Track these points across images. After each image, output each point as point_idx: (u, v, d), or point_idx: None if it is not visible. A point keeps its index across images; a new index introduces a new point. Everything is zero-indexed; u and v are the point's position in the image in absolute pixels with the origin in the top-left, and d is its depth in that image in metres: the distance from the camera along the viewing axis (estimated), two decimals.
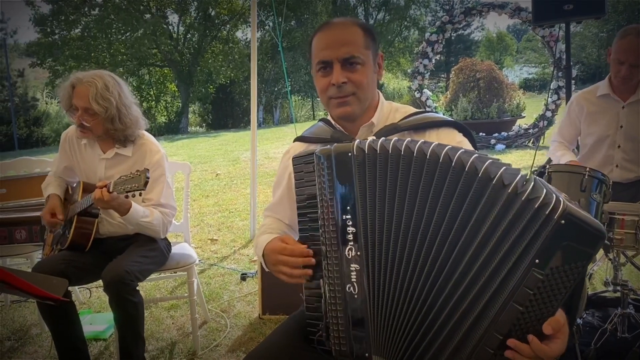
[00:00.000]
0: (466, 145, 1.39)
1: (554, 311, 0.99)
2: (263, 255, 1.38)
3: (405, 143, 1.12)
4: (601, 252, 2.38)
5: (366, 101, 1.42)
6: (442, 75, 29.96)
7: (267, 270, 1.39)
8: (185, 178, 2.91)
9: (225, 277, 3.66)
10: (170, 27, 25.83)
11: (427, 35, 10.74)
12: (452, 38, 27.21)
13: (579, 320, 2.16)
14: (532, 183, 1.02)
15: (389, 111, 1.48)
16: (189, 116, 27.20)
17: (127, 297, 2.08)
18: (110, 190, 2.06)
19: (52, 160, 2.91)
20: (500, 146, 9.63)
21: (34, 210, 2.90)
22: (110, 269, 2.11)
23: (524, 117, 10.65)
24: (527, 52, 35.84)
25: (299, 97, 29.02)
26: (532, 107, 11.97)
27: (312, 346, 1.24)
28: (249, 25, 4.57)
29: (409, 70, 11.72)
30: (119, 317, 2.12)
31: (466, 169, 1.04)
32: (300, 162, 1.27)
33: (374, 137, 1.18)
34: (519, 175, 1.03)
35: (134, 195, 2.04)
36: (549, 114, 9.50)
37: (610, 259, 2.31)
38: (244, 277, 3.57)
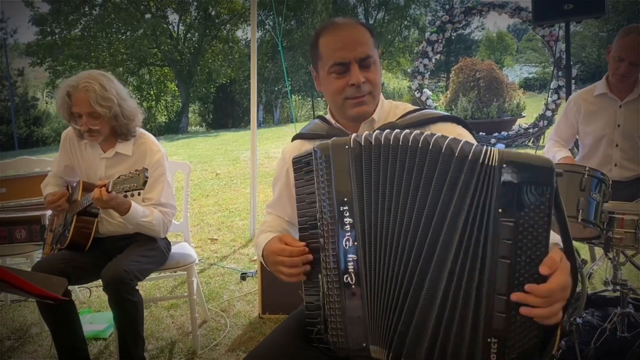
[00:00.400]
0: (467, 137, 1.40)
1: (545, 251, 1.00)
2: (263, 255, 1.39)
3: (403, 134, 1.14)
4: (601, 251, 2.37)
5: (378, 99, 1.44)
6: (442, 75, 29.96)
7: (267, 269, 1.39)
8: (185, 177, 2.91)
9: (225, 276, 3.66)
10: (170, 27, 25.83)
11: (427, 34, 10.74)
12: (452, 38, 27.21)
13: (578, 320, 2.16)
14: (476, 146, 1.08)
15: (389, 108, 1.49)
16: (189, 116, 27.20)
17: (126, 297, 2.08)
18: (109, 189, 2.07)
19: (52, 159, 2.91)
20: (500, 146, 9.62)
21: (34, 210, 2.90)
22: (110, 268, 2.11)
23: (524, 116, 10.65)
24: (527, 51, 35.83)
25: (299, 97, 29.01)
26: (532, 107, 11.97)
27: (313, 345, 1.24)
28: (249, 25, 4.57)
29: (409, 70, 11.73)
30: (119, 316, 2.12)
31: (442, 150, 1.09)
32: (300, 163, 1.28)
33: (370, 132, 1.20)
34: (474, 145, 1.09)
35: (132, 195, 2.04)
36: (549, 113, 9.50)
37: (609, 259, 2.30)
38: (243, 276, 3.57)
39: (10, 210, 2.94)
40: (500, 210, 1.01)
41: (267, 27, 23.97)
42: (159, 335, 2.79)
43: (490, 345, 1.01)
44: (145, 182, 1.99)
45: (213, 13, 25.93)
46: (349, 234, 1.15)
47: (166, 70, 26.61)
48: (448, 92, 11.43)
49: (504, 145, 9.64)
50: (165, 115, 27.37)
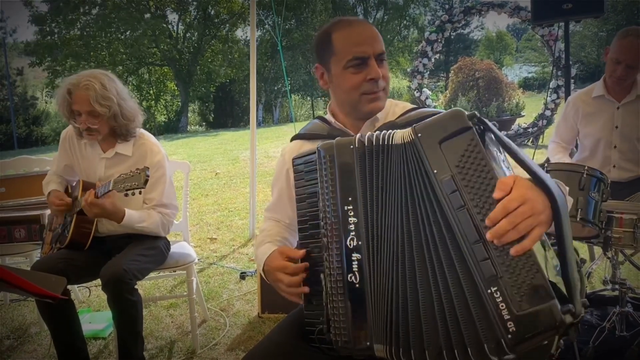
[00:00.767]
0: None
1: (494, 183, 1.00)
2: (263, 270, 1.39)
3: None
4: (600, 250, 2.38)
5: (387, 96, 1.45)
6: (442, 75, 29.96)
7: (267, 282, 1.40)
8: (184, 177, 2.91)
9: (225, 276, 3.66)
10: (169, 26, 25.83)
11: (426, 34, 10.74)
12: (452, 37, 27.17)
13: None
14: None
15: (389, 106, 1.49)
16: (189, 115, 27.19)
17: (125, 296, 2.08)
18: (110, 188, 2.07)
19: (51, 159, 2.91)
20: (516, 146, 9.62)
21: (33, 209, 2.90)
22: (109, 267, 2.11)
23: (524, 116, 10.65)
24: (527, 51, 35.83)
25: (299, 96, 29.02)
26: (531, 106, 11.98)
27: (313, 345, 1.23)
28: (249, 25, 4.57)
29: (408, 70, 11.70)
30: (118, 315, 2.12)
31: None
32: (300, 163, 1.28)
33: (396, 130, 1.19)
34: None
35: (133, 194, 2.05)
36: (548, 113, 9.51)
37: (608, 258, 2.31)
38: (243, 276, 3.57)
39: (9, 210, 2.94)
40: (435, 171, 1.05)
41: (266, 26, 24.01)
42: (159, 335, 2.79)
43: (494, 295, 0.97)
44: (146, 181, 1.99)
45: (212, 13, 25.93)
46: (353, 233, 1.15)
47: (165, 70, 26.60)
48: (447, 91, 11.45)
49: None
50: (164, 115, 27.37)
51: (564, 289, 1.02)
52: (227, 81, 25.85)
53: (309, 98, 29.59)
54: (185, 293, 2.78)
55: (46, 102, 25.32)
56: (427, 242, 1.07)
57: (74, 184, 2.51)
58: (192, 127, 27.07)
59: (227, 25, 26.03)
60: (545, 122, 9.49)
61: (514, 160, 1.10)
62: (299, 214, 1.28)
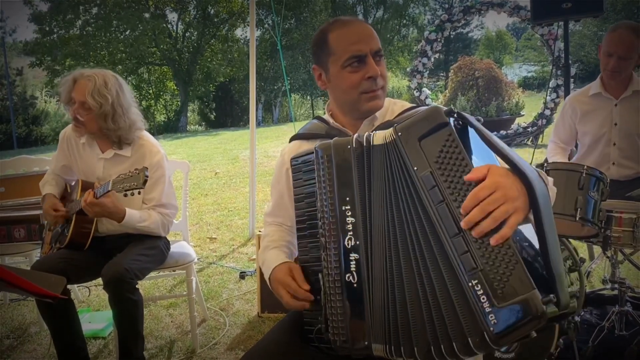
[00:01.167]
0: None
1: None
2: (269, 277, 1.39)
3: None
4: (599, 250, 2.38)
5: (386, 94, 1.45)
6: (441, 74, 29.97)
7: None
8: (184, 177, 2.91)
9: (224, 275, 3.66)
10: (169, 26, 25.80)
11: (426, 33, 10.74)
12: (451, 36, 27.18)
13: (576, 318, 2.17)
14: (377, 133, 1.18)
15: (388, 105, 1.49)
16: (188, 115, 27.18)
17: (126, 295, 2.09)
18: (109, 188, 2.07)
19: (50, 158, 2.91)
20: (498, 140, 9.62)
21: (33, 209, 2.90)
22: (110, 267, 2.11)
23: (523, 115, 10.66)
24: (526, 50, 35.82)
25: (298, 96, 29.01)
26: (531, 106, 11.99)
27: (312, 345, 1.24)
28: (248, 24, 4.57)
29: (408, 69, 11.70)
30: (119, 315, 2.12)
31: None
32: (298, 162, 1.29)
33: (376, 132, 1.20)
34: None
35: (132, 194, 2.05)
36: (547, 112, 9.51)
37: (608, 257, 2.31)
38: (242, 275, 3.57)
39: (9, 209, 2.94)
40: (415, 168, 1.07)
41: (266, 26, 24.00)
42: (158, 334, 2.79)
43: (475, 288, 0.98)
44: (145, 181, 1.99)
45: (212, 12, 25.89)
46: (351, 233, 1.15)
47: (165, 69, 26.57)
48: (447, 91, 11.45)
49: None
50: (164, 114, 27.34)
51: (569, 284, 1.02)
52: (227, 81, 25.82)
53: (308, 97, 29.58)
54: (184, 293, 2.78)
55: (45, 102, 25.27)
56: (411, 239, 1.08)
57: (72, 184, 2.51)
58: (192, 127, 27.04)
59: (227, 24, 25.99)
60: (544, 121, 9.49)
61: (493, 151, 1.10)
62: (297, 213, 1.28)
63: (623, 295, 2.25)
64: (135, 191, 2.04)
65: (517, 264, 0.95)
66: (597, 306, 2.58)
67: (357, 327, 1.14)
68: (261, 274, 2.92)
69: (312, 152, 1.24)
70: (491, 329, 0.96)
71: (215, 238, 4.68)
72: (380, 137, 1.16)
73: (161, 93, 27.26)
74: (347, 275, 1.15)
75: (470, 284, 0.98)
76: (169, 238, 2.54)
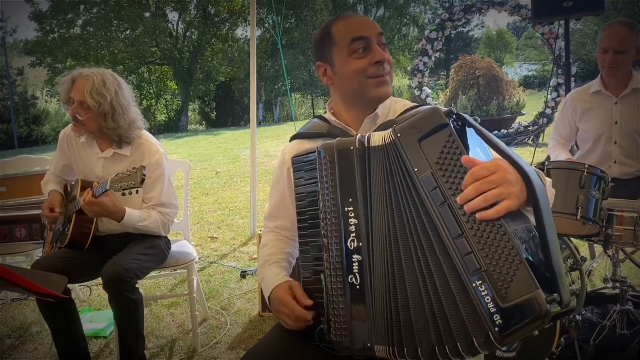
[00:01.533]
0: None
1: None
2: (269, 297, 1.38)
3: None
4: (600, 248, 2.38)
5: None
6: (442, 73, 29.94)
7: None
8: (185, 176, 2.91)
9: (225, 274, 3.66)
10: (169, 25, 25.82)
11: (426, 32, 10.72)
12: (452, 35, 27.20)
13: (577, 317, 2.16)
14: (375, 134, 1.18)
15: (390, 103, 1.47)
16: (189, 114, 27.19)
17: (126, 295, 2.09)
18: (107, 187, 2.07)
19: (51, 158, 2.91)
20: (496, 138, 9.61)
21: (33, 208, 2.90)
22: (110, 266, 2.11)
23: (524, 114, 10.65)
24: (527, 49, 35.79)
25: (299, 95, 29.01)
26: (531, 105, 11.97)
27: (313, 343, 1.23)
28: (249, 24, 4.56)
29: (408, 68, 11.69)
30: (119, 314, 2.12)
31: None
32: (299, 161, 1.28)
33: (375, 132, 1.19)
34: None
35: (130, 193, 2.05)
36: (548, 111, 9.49)
37: (609, 256, 2.31)
38: (243, 274, 3.57)
39: (10, 209, 2.95)
40: (415, 169, 1.07)
41: (266, 25, 24.00)
42: (159, 334, 2.79)
43: (479, 289, 0.98)
44: (142, 180, 1.99)
45: (212, 11, 25.89)
46: (354, 234, 1.15)
47: (165, 69, 26.59)
48: (448, 90, 11.44)
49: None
50: (164, 114, 27.36)
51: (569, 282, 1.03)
52: (227, 80, 25.83)
53: (309, 97, 29.58)
54: (185, 292, 2.78)
55: (46, 102, 25.29)
56: (413, 240, 1.08)
57: (72, 183, 2.51)
58: (193, 126, 27.05)
59: (227, 24, 25.98)
60: (545, 120, 9.48)
61: (494, 151, 1.11)
62: (298, 212, 1.27)
63: (624, 294, 2.25)
64: (133, 190, 2.04)
65: (520, 263, 0.95)
66: (598, 305, 2.57)
67: (359, 329, 1.14)
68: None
69: (314, 151, 1.24)
70: (496, 328, 0.96)
71: (216, 237, 4.68)
72: (379, 137, 1.15)
73: (162, 92, 27.28)
74: (350, 277, 1.14)
75: (474, 285, 0.99)
76: (170, 237, 2.54)
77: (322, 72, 1.45)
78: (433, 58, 10.59)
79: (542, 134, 9.58)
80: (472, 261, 0.99)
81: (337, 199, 1.17)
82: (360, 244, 1.14)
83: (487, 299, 0.97)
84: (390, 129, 1.13)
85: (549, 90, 9.66)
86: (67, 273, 2.10)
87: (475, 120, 1.14)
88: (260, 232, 1.62)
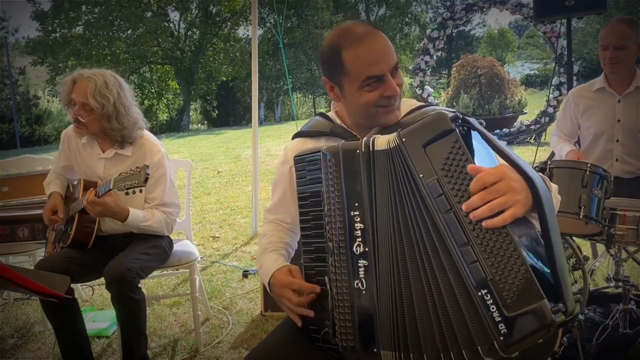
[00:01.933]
0: None
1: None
2: (269, 282, 1.37)
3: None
4: (603, 248, 2.37)
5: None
6: (444, 72, 29.91)
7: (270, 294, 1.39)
8: (186, 175, 2.91)
9: (227, 274, 3.66)
10: (171, 25, 25.84)
11: (428, 31, 10.72)
12: (453, 34, 27.13)
13: (580, 316, 2.16)
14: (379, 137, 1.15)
15: None
16: (191, 113, 27.22)
17: (128, 295, 2.09)
18: (111, 187, 2.07)
19: (53, 158, 2.92)
20: (501, 142, 9.60)
21: (36, 208, 2.90)
22: (112, 266, 2.11)
23: (526, 113, 10.63)
24: (529, 48, 35.74)
25: (301, 94, 29.02)
26: (533, 103, 11.96)
27: (317, 344, 1.23)
28: (250, 23, 4.56)
29: (410, 67, 11.68)
30: (121, 314, 2.13)
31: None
32: (302, 161, 1.27)
33: (379, 135, 1.18)
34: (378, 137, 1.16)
35: (134, 192, 2.05)
36: (550, 110, 9.48)
37: (611, 255, 2.30)
38: (245, 274, 3.57)
39: (12, 209, 2.95)
40: (421, 175, 1.06)
41: (268, 24, 23.99)
42: (162, 333, 2.79)
43: (485, 298, 0.98)
44: (146, 179, 1.99)
45: (214, 11, 25.92)
46: (360, 239, 1.14)
47: (167, 68, 26.62)
48: (449, 89, 11.42)
49: (505, 143, 9.63)
50: (166, 113, 27.40)
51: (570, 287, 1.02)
52: (229, 79, 25.85)
53: (310, 96, 29.58)
54: (188, 291, 2.78)
55: (48, 102, 25.36)
56: (418, 246, 1.07)
57: (75, 183, 2.52)
58: (194, 126, 27.09)
59: (229, 23, 26.00)
60: (547, 119, 9.47)
61: (499, 156, 1.11)
62: (301, 212, 1.27)
63: (627, 293, 2.25)
64: (137, 189, 2.04)
65: (526, 273, 0.95)
66: (600, 304, 2.57)
67: (366, 334, 1.13)
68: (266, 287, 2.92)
69: (317, 152, 1.23)
70: (501, 337, 0.96)
71: (218, 237, 4.68)
72: (383, 141, 1.14)
73: (163, 92, 27.31)
74: (356, 282, 1.14)
75: (479, 294, 0.99)
76: (172, 237, 2.55)
77: (329, 88, 1.41)
78: (435, 57, 10.58)
79: (544, 133, 9.56)
80: (477, 270, 0.99)
81: (343, 204, 1.16)
82: (367, 249, 1.13)
83: (493, 308, 0.97)
84: (395, 133, 1.12)
85: (551, 89, 9.65)
86: (70, 273, 2.11)
87: (481, 124, 1.12)
88: None
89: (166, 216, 2.35)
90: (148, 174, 1.99)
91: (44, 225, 2.76)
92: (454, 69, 11.45)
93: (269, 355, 1.29)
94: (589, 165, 2.10)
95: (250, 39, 4.64)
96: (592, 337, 2.21)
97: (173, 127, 24.88)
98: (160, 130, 23.44)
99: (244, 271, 3.61)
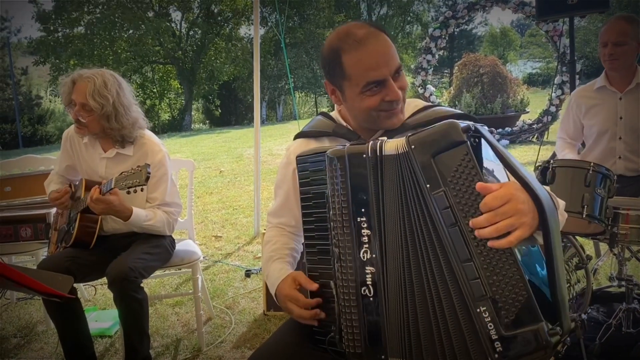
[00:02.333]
0: None
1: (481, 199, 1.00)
2: (275, 293, 1.36)
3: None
4: (606, 247, 2.37)
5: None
6: (446, 71, 29.87)
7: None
8: (189, 175, 2.91)
9: (230, 273, 3.66)
10: (173, 25, 25.86)
11: (430, 30, 10.70)
12: (455, 33, 27.09)
13: (583, 316, 2.16)
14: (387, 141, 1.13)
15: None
16: (192, 113, 27.24)
17: (131, 294, 2.09)
18: (113, 186, 2.07)
19: (56, 158, 2.92)
20: (504, 142, 9.60)
21: (39, 208, 2.91)
22: (115, 266, 2.12)
23: (528, 112, 10.61)
24: (531, 47, 35.61)
25: (302, 94, 29.02)
26: (536, 102, 11.93)
27: (322, 347, 1.22)
28: (252, 23, 4.57)
29: (412, 66, 11.67)
30: (124, 314, 2.13)
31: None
32: (305, 161, 1.25)
33: (386, 138, 1.16)
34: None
35: (135, 191, 2.05)
36: (553, 109, 9.46)
37: (614, 254, 2.30)
38: (248, 273, 3.58)
39: (15, 209, 2.96)
40: (428, 185, 1.04)
41: (269, 24, 24.00)
42: (164, 333, 2.80)
43: (483, 315, 0.98)
44: (147, 178, 1.99)
45: (216, 11, 25.93)
46: (366, 245, 1.12)
47: (169, 68, 26.66)
48: (452, 88, 11.40)
49: (507, 142, 9.61)
50: (168, 113, 27.43)
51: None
52: (231, 79, 25.86)
53: (312, 95, 29.58)
54: (190, 291, 2.78)
55: (50, 101, 25.40)
56: (422, 256, 1.07)
57: (77, 183, 2.52)
58: (196, 125, 27.11)
59: (231, 23, 26.01)
60: (550, 118, 9.45)
61: (509, 171, 1.08)
62: (304, 214, 1.25)
63: (630, 292, 2.24)
64: (138, 188, 2.04)
65: (526, 294, 0.96)
66: (604, 304, 2.56)
67: (374, 341, 1.12)
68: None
69: (320, 152, 1.21)
70: (495, 355, 0.97)
71: (220, 236, 4.68)
72: (392, 146, 1.10)
73: (165, 92, 27.34)
74: (363, 289, 1.13)
75: (477, 310, 0.99)
76: (174, 236, 2.55)
77: (331, 92, 1.40)
78: (437, 56, 10.56)
79: (546, 132, 9.54)
80: (478, 287, 0.99)
81: (349, 209, 1.14)
82: (374, 255, 1.12)
83: (490, 326, 0.98)
84: (405, 138, 1.09)
85: (554, 88, 9.62)
86: (73, 273, 2.11)
87: (491, 132, 1.11)
88: (264, 232, 1.61)
89: (168, 216, 2.35)
90: (149, 173, 2.00)
91: (47, 225, 2.76)
92: (456, 68, 11.43)
93: (273, 356, 1.28)
94: (591, 164, 2.09)
95: (252, 38, 4.65)
96: (595, 336, 2.20)
97: (175, 126, 24.90)
98: (162, 130, 23.47)
99: (246, 270, 3.61)
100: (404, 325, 1.09)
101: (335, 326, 1.18)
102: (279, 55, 24.55)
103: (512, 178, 1.09)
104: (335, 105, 1.49)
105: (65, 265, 2.15)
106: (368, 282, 1.12)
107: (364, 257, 1.12)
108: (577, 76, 6.23)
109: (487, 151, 1.07)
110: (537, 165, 2.28)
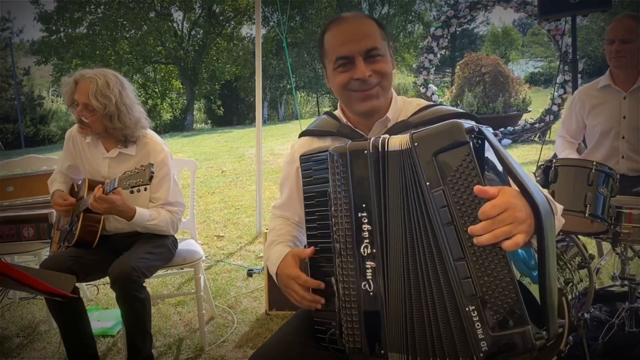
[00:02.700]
0: None
1: (485, 202, 0.99)
2: (276, 273, 1.37)
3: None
4: (608, 246, 2.36)
5: (389, 92, 1.39)
6: (448, 70, 29.87)
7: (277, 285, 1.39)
8: (191, 175, 2.92)
9: (232, 273, 3.67)
10: (174, 25, 25.88)
11: (432, 29, 10.69)
12: (457, 33, 27.05)
13: (586, 315, 2.15)
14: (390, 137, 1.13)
15: (402, 104, 1.45)
16: (194, 113, 27.27)
17: (133, 294, 2.09)
18: (116, 185, 2.08)
19: (58, 157, 2.93)
20: (506, 141, 9.59)
21: (41, 208, 2.91)
22: (117, 265, 2.12)
23: (530, 111, 10.59)
24: (533, 46, 35.56)
25: (304, 93, 29.02)
26: (538, 102, 11.91)
27: (322, 344, 1.22)
28: (254, 22, 4.57)
29: (414, 66, 11.67)
30: (126, 313, 2.13)
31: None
32: (308, 160, 1.26)
33: (388, 135, 1.17)
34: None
35: (139, 190, 2.05)
36: (555, 108, 9.45)
37: (617, 253, 2.29)
38: (250, 273, 3.58)
39: (17, 209, 2.96)
40: (428, 183, 1.04)
41: (271, 24, 24.00)
42: (167, 332, 2.80)
43: (471, 314, 0.99)
44: (151, 177, 2.00)
45: (217, 11, 25.95)
46: (367, 241, 1.13)
47: (171, 68, 26.68)
48: (453, 87, 11.39)
49: (510, 141, 9.60)
50: (170, 113, 27.45)
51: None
52: (233, 79, 25.88)
53: (314, 95, 29.58)
54: (192, 290, 2.79)
55: (52, 101, 25.43)
56: (419, 252, 1.07)
57: (79, 183, 2.52)
58: (198, 125, 27.13)
59: (232, 23, 26.04)
60: (552, 117, 9.44)
61: (507, 172, 1.08)
62: (307, 212, 1.26)
63: (633, 291, 2.24)
64: (142, 188, 2.04)
65: (515, 296, 0.97)
66: (606, 303, 2.56)
67: (373, 336, 1.13)
68: (268, 272, 2.92)
69: (324, 151, 1.21)
70: (480, 354, 0.99)
71: (222, 236, 4.69)
72: (396, 142, 1.11)
73: (167, 92, 27.36)
74: (364, 284, 1.13)
75: (467, 309, 1.00)
76: (176, 236, 2.55)
77: (325, 74, 1.45)
78: (438, 55, 10.55)
79: (548, 131, 9.52)
80: (468, 286, 1.00)
81: (351, 205, 1.14)
82: (374, 250, 1.12)
83: (477, 325, 0.99)
84: (408, 135, 1.09)
85: (556, 87, 9.61)
86: (75, 272, 2.11)
87: (495, 135, 1.10)
88: (266, 231, 1.62)
89: (172, 215, 2.35)
90: (153, 172, 2.00)
91: (49, 225, 2.77)
92: (458, 67, 11.42)
93: (275, 355, 1.28)
94: (594, 163, 2.09)
95: (254, 38, 4.64)
96: (598, 335, 2.20)
97: (177, 126, 24.92)
98: (164, 129, 23.48)
99: (248, 270, 3.62)
100: (403, 320, 1.10)
101: (335, 322, 1.19)
102: (281, 55, 24.55)
103: (511, 182, 1.09)
104: (339, 103, 1.50)
105: (68, 264, 2.15)
106: (368, 277, 1.13)
107: (364, 252, 1.13)
108: (579, 75, 6.21)
109: (490, 155, 1.08)
110: (539, 164, 2.27)
